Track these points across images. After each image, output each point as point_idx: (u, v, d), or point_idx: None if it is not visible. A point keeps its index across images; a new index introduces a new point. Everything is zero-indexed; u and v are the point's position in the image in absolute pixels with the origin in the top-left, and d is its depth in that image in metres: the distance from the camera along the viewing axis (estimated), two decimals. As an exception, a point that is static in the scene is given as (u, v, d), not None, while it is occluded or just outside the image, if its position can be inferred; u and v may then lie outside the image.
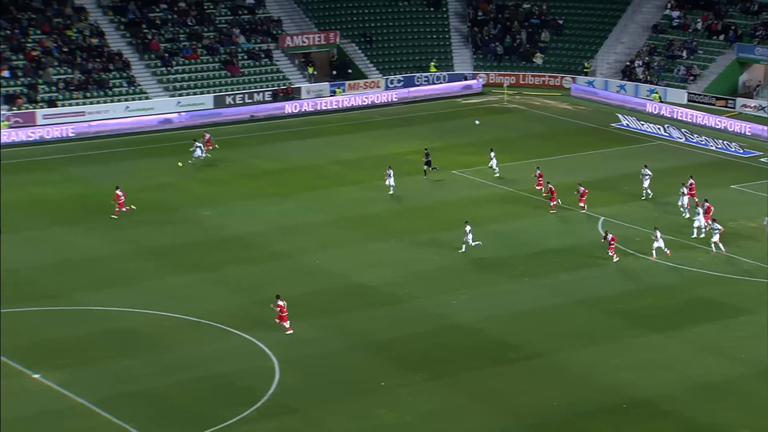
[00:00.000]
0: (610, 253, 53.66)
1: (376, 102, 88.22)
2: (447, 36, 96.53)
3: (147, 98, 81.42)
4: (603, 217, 60.10)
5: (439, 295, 50.24)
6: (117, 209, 59.24)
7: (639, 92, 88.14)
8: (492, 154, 67.61)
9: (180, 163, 67.54)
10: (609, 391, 41.75)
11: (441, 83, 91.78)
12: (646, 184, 63.02)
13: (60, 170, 68.93)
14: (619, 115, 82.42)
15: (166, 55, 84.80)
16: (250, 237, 57.24)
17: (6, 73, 78.31)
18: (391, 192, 62.97)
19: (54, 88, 79.23)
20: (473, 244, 54.05)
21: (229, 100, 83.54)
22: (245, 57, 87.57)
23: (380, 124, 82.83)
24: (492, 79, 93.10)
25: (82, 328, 46.36)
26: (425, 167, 66.26)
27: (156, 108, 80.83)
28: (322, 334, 46.34)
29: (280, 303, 45.67)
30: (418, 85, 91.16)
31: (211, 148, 70.14)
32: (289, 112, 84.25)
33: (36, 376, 41.89)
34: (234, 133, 78.37)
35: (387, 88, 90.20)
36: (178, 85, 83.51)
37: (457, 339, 46.26)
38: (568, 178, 64.15)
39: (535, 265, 53.52)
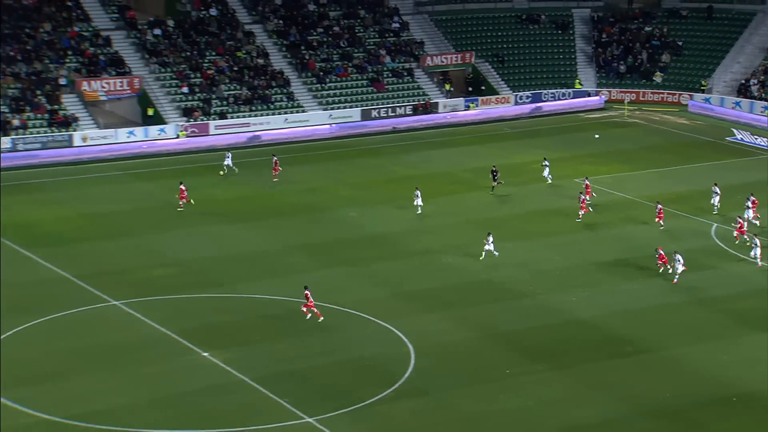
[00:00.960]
0: (659, 266, 51.63)
1: (506, 116, 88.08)
2: (573, 56, 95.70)
3: (303, 111, 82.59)
4: (716, 224, 59.09)
5: (561, 292, 50.03)
6: (181, 203, 60.44)
7: (754, 109, 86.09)
8: (546, 163, 67.18)
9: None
10: (718, 384, 41.19)
11: (566, 99, 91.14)
12: (715, 201, 60.92)
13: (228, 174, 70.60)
14: (734, 130, 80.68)
15: (321, 73, 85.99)
16: (391, 236, 57.70)
17: (185, 89, 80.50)
18: (419, 212, 60.49)
19: (225, 102, 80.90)
20: (495, 252, 52.84)
21: (374, 113, 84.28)
22: (390, 75, 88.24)
23: (509, 136, 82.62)
24: (614, 96, 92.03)
25: (244, 314, 47.32)
26: (493, 183, 64.65)
27: (310, 120, 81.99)
28: (453, 325, 46.51)
29: (307, 293, 46.01)
30: (545, 101, 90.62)
31: (276, 171, 66.84)
32: (428, 124, 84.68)
33: (205, 354, 42.87)
34: (378, 143, 79.17)
35: (516, 103, 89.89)
36: (330, 99, 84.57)
37: (577, 333, 46.03)
38: (683, 187, 63.15)
39: (648, 266, 52.81)
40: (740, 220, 54.88)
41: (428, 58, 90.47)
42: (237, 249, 55.34)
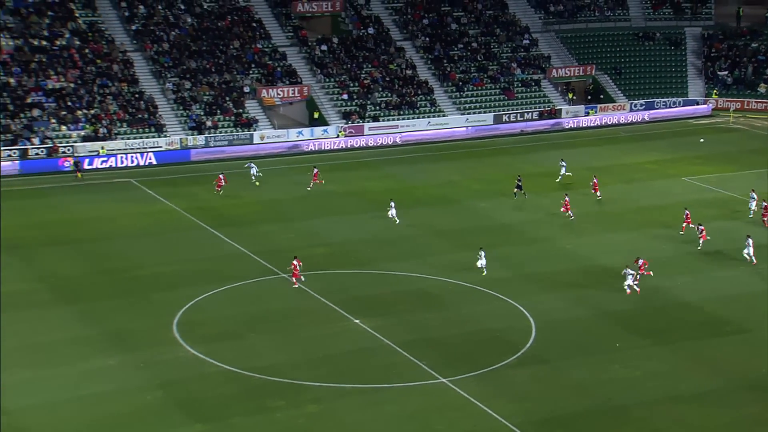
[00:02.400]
0: (640, 274, 47.21)
1: (622, 121, 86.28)
2: (684, 69, 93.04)
3: (444, 115, 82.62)
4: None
5: (667, 277, 48.84)
6: (216, 188, 61.19)
7: None
8: (563, 163, 65.53)
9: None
10: (810, 362, 39.66)
11: (676, 107, 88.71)
12: (752, 205, 57.47)
13: (380, 169, 70.83)
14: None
15: (460, 83, 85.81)
16: (516, 225, 57.30)
17: (345, 96, 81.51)
18: (397, 222, 56.20)
19: (378, 107, 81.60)
20: (481, 267, 48.48)
21: (505, 117, 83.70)
22: (519, 85, 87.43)
23: (624, 139, 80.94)
24: (720, 105, 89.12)
25: (388, 288, 47.66)
26: (516, 190, 61.19)
27: (450, 123, 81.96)
28: (570, 303, 46.01)
29: (294, 263, 46.34)
30: (657, 109, 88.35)
31: (317, 182, 63.19)
32: (552, 128, 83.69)
33: (356, 321, 43.45)
34: (507, 144, 78.68)
35: (631, 110, 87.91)
36: (467, 105, 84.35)
37: (680, 314, 44.95)
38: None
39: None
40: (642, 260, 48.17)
41: (554, 70, 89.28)
42: (384, 233, 55.71)
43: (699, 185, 64.18)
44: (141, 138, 72.30)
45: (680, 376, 38.89)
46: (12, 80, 72.65)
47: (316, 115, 79.62)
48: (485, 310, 45.04)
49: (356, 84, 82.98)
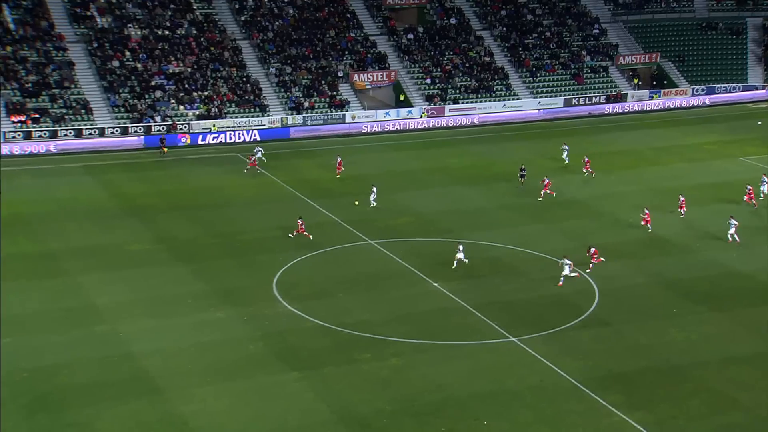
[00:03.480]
0: (592, 264, 44.58)
1: (684, 105, 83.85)
2: (744, 56, 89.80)
3: (518, 99, 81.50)
4: None
5: (722, 250, 47.53)
6: (248, 167, 60.06)
7: None
8: (565, 147, 63.58)
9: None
10: None
11: (736, 92, 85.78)
12: (765, 188, 53.63)
13: (460, 147, 70.26)
14: None
15: (534, 69, 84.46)
16: (582, 200, 56.35)
17: (428, 80, 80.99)
18: (373, 205, 53.45)
19: (457, 91, 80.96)
20: (464, 259, 44.79)
21: (574, 101, 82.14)
22: (588, 71, 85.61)
23: (686, 122, 78.69)
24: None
25: (467, 255, 47.51)
26: (521, 179, 58.34)
27: (523, 106, 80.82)
28: (630, 272, 45.21)
29: (299, 222, 47.46)
30: (717, 93, 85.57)
31: (339, 170, 59.94)
32: (618, 111, 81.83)
33: (435, 284, 43.39)
34: (576, 125, 77.24)
35: (693, 95, 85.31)
36: (539, 90, 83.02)
37: (734, 282, 43.81)
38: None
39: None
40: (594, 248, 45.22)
41: (621, 57, 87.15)
42: (462, 205, 55.42)
43: (755, 164, 62.06)
44: (247, 117, 73.15)
45: (734, 340, 37.95)
46: (139, 65, 74.16)
47: (401, 98, 79.36)
48: (551, 277, 44.47)
49: (439, 69, 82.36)
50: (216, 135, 70.34)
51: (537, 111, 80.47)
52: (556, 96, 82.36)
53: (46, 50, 72.17)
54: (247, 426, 31.66)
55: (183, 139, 69.10)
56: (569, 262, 43.20)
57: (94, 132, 67.71)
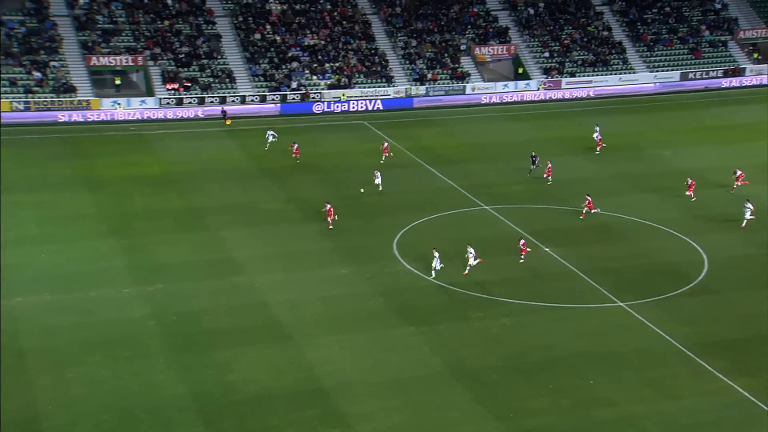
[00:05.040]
0: (522, 255, 41.22)
1: (804, 80, 79.06)
2: None
3: (634, 73, 78.62)
4: None
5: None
6: (295, 154, 55.42)
7: None
8: (597, 128, 58.78)
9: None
10: None
11: None
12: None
13: (574, 119, 68.62)
14: None
15: (651, 43, 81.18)
16: (695, 171, 53.71)
17: (546, 54, 79.10)
18: (380, 189, 49.85)
19: (575, 64, 78.80)
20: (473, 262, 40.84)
21: (691, 75, 78.55)
22: (707, 45, 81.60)
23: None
24: None
25: (577, 222, 46.66)
26: (532, 167, 53.51)
27: (639, 80, 77.88)
28: (740, 243, 43.54)
29: (328, 206, 44.00)
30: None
31: (387, 155, 55.70)
32: (736, 85, 77.77)
33: (546, 249, 42.87)
34: (691, 99, 73.99)
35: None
36: (656, 64, 79.77)
37: None
38: None
39: None
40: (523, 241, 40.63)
41: (741, 32, 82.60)
42: (575, 174, 54.12)
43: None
44: (373, 87, 73.49)
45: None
46: (278, 38, 75.50)
47: (520, 71, 77.87)
48: (662, 245, 43.26)
49: (557, 43, 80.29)
50: (344, 103, 71.05)
51: (653, 84, 77.45)
52: (672, 70, 78.99)
53: (197, 24, 74.33)
54: (367, 374, 32.25)
55: (317, 108, 70.13)
56: (436, 254, 39.04)
57: (236, 99, 69.55)
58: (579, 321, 36.03)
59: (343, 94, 71.85)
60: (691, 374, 32.06)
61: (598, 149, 57.98)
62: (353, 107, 70.87)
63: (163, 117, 66.21)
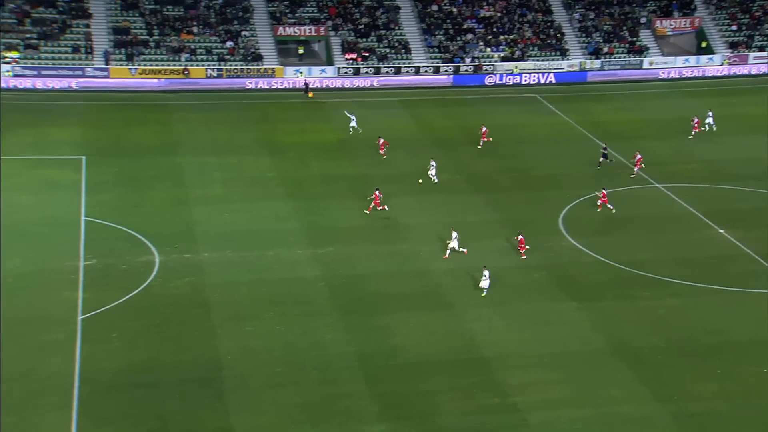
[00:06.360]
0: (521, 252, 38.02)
1: None
2: None
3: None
4: None
5: None
6: (381, 150, 51.68)
7: None
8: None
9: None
10: None
11: None
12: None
13: (758, 96, 64.10)
14: None
15: None
16: None
17: (734, 27, 74.04)
18: (436, 181, 46.59)
19: (765, 38, 73.42)
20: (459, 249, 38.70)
21: None
22: None
23: None
24: None
25: (755, 204, 43.74)
26: (601, 159, 49.18)
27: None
28: None
29: (376, 193, 41.15)
30: None
31: (485, 139, 52.58)
32: None
33: (721, 231, 40.68)
34: None
35: None
36: None
37: None
38: None
39: None
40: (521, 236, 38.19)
41: None
42: (755, 153, 50.78)
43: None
44: (547, 60, 71.81)
45: None
46: (454, 9, 75.24)
47: (703, 45, 73.43)
48: None
49: (747, 16, 74.92)
50: (516, 76, 69.89)
51: None
52: None
53: (378, -6, 75.44)
54: (527, 346, 32.01)
55: (489, 80, 69.48)
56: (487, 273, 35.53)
57: (411, 70, 70.12)
58: (754, 306, 34.02)
59: (516, 67, 70.71)
60: None
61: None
62: (525, 80, 69.62)
63: (340, 86, 67.87)
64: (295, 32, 70.77)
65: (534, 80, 69.63)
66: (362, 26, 72.71)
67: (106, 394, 28.58)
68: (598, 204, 43.01)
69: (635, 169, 47.40)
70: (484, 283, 35.03)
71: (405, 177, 48.32)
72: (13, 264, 36.35)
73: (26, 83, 61.58)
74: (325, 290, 35.73)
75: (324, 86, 67.41)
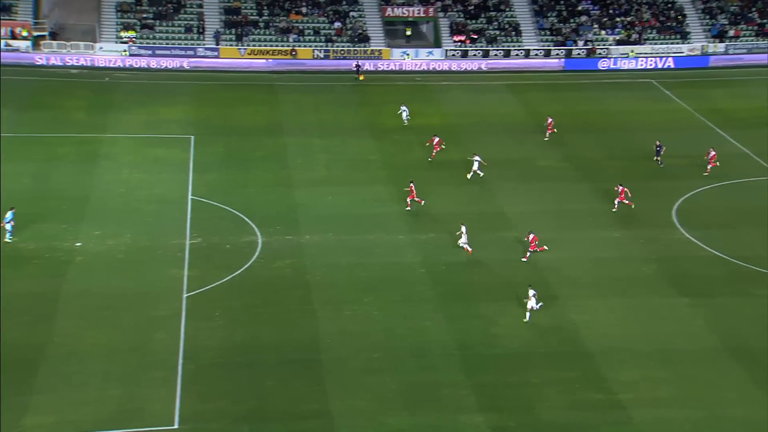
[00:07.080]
0: (529, 252, 36.05)
1: None
2: None
3: None
4: None
5: None
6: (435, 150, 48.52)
7: None
8: None
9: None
10: None
11: None
12: None
13: None
14: None
15: None
16: None
17: None
18: (481, 175, 44.23)
19: None
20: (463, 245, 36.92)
21: None
22: None
23: None
24: None
25: None
26: (656, 157, 45.95)
27: None
28: None
29: (411, 186, 40.70)
30: None
31: (552, 131, 50.65)
32: None
33: None
34: None
35: None
36: None
37: None
38: None
39: None
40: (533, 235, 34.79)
41: None
42: None
43: None
44: (666, 44, 69.23)
45: None
46: (568, -9, 73.57)
47: (839, 27, 69.21)
48: None
49: None
50: (632, 60, 67.71)
51: None
52: None
53: (489, -24, 74.50)
54: (634, 342, 31.18)
55: (603, 64, 67.63)
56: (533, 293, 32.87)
57: (520, 53, 68.98)
58: None
59: (632, 51, 68.51)
60: None
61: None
62: (641, 65, 67.41)
63: (447, 69, 67.47)
64: (403, 13, 70.75)
65: (651, 65, 67.31)
66: (472, 7, 71.97)
67: (208, 372, 29.52)
68: (615, 202, 40.77)
69: (708, 167, 44.94)
70: (532, 304, 32.16)
71: (511, 163, 47.69)
72: (123, 240, 37.96)
73: (141, 63, 63.96)
74: (426, 276, 35.72)
75: (431, 69, 67.15)
